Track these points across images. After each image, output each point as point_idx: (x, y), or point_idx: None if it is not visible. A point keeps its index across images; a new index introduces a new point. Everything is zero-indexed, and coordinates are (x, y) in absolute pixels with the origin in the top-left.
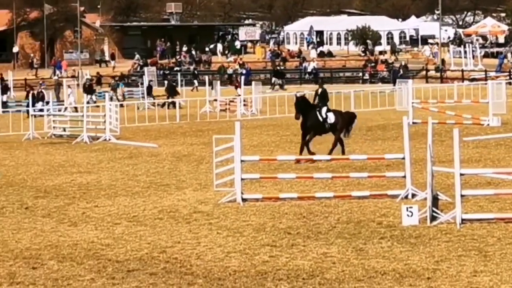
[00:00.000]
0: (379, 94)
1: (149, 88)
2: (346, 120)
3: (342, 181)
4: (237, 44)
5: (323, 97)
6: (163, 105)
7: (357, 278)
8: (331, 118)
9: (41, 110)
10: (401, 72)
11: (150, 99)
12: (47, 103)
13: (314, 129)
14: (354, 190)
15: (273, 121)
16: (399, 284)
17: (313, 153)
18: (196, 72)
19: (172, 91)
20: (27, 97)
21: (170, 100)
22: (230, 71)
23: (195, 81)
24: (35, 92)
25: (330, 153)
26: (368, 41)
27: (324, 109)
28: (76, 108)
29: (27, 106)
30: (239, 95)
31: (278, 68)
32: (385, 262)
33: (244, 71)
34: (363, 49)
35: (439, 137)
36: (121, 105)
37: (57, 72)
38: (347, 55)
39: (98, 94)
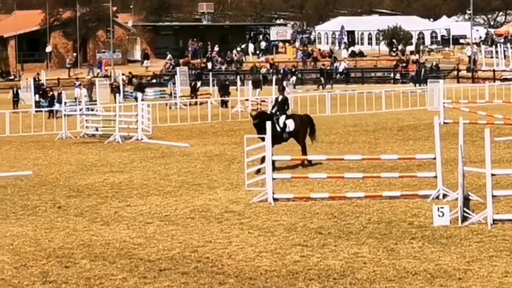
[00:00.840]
0: (410, 94)
1: (194, 87)
2: (306, 124)
3: (373, 181)
4: (263, 44)
5: (283, 105)
6: (222, 104)
7: (388, 278)
8: (291, 126)
9: (58, 111)
10: (423, 72)
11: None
12: (65, 103)
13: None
14: (385, 190)
15: None
16: (430, 285)
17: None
18: (239, 72)
19: (225, 90)
20: (42, 97)
21: (225, 99)
22: (263, 71)
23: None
24: (54, 92)
25: (303, 162)
26: (394, 40)
27: (282, 118)
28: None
29: (47, 106)
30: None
31: (323, 67)
32: (416, 263)
33: (281, 71)
34: (394, 49)
35: (471, 137)
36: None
37: (96, 70)
38: (378, 55)
39: (131, 94)
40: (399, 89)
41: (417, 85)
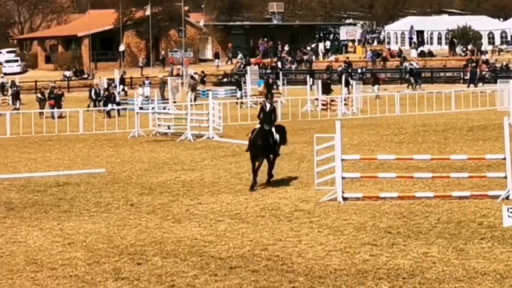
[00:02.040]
0: (480, 94)
1: (270, 86)
2: (281, 134)
3: (442, 181)
4: (328, 44)
5: (270, 116)
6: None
7: (458, 278)
8: (277, 137)
9: (109, 111)
10: (478, 73)
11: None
12: (118, 104)
13: (273, 153)
14: (454, 190)
15: (374, 120)
16: (500, 285)
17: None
18: (313, 71)
19: (327, 89)
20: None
21: (325, 97)
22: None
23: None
24: (108, 92)
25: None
26: (455, 40)
27: (273, 129)
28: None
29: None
30: (377, 94)
31: (412, 66)
32: (485, 263)
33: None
34: (463, 49)
35: None
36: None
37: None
38: (448, 55)
39: (202, 92)
40: (468, 89)
41: (471, 85)
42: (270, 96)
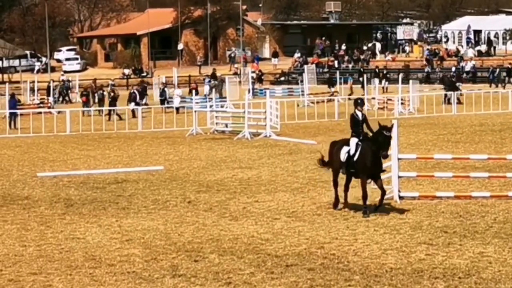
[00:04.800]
0: None
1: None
2: None
3: (499, 181)
4: (378, 45)
5: (363, 125)
6: (445, 99)
7: None
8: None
9: (133, 110)
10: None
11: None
12: (137, 104)
13: (382, 169)
14: (511, 190)
15: (430, 119)
16: None
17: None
18: (382, 71)
19: (451, 86)
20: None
21: (449, 93)
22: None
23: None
24: (133, 91)
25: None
26: (492, 39)
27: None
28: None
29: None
30: (461, 92)
31: (510, 66)
32: None
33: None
34: None
35: None
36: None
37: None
38: (505, 55)
39: (260, 91)
40: None
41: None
42: (360, 102)
